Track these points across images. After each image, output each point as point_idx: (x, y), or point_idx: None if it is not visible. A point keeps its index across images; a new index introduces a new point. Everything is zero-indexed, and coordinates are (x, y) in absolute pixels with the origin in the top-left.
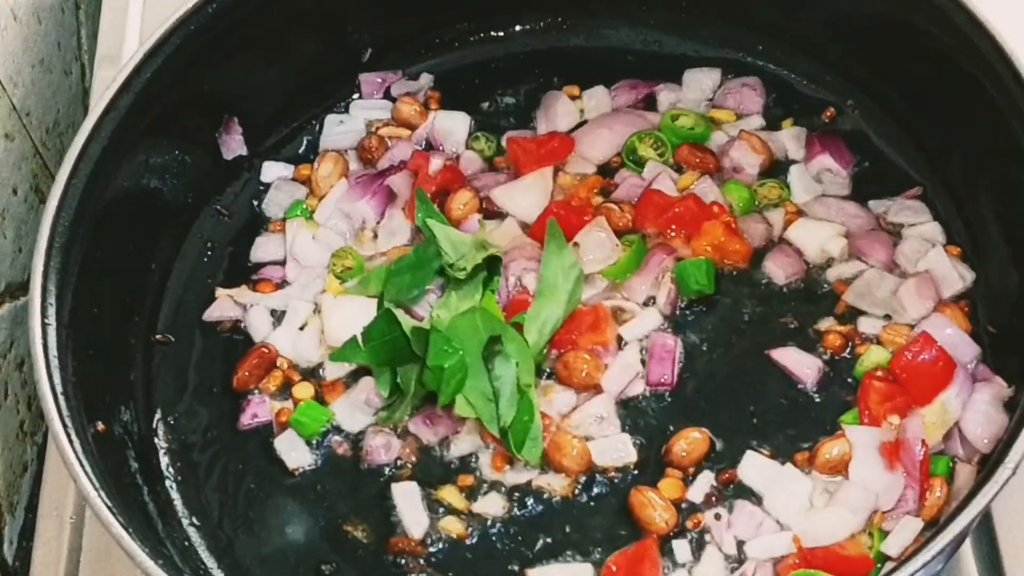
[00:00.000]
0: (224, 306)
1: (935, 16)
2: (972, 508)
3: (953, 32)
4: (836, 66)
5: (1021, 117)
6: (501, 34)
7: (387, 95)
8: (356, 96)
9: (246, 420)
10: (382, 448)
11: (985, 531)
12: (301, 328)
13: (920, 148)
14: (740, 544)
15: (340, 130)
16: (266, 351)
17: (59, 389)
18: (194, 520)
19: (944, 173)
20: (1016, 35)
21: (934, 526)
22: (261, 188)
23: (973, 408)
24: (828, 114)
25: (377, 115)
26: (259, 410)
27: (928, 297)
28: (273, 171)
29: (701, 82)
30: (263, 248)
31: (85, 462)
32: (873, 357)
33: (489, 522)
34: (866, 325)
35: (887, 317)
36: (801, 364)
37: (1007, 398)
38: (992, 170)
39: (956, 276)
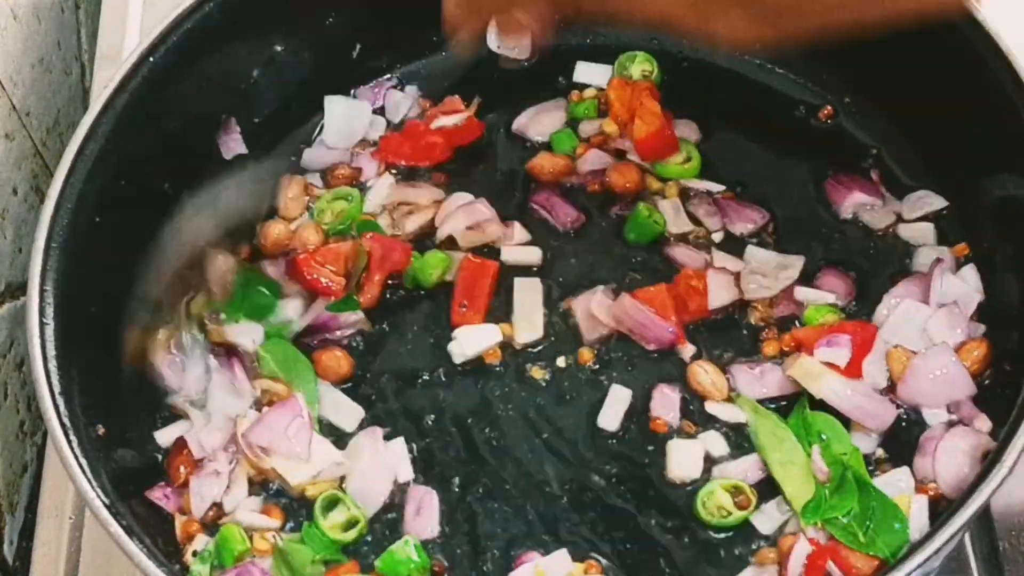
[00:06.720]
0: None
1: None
2: (968, 508)
3: (952, 32)
4: (835, 66)
5: (1020, 117)
6: None
7: (381, 111)
8: (353, 95)
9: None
10: None
11: (985, 531)
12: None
13: (919, 148)
14: None
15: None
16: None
17: (57, 390)
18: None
19: (943, 172)
20: (1016, 36)
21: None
22: None
23: (949, 451)
24: (826, 113)
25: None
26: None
27: (958, 325)
28: None
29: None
30: None
31: (84, 462)
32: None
33: None
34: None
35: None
36: None
37: (986, 449)
38: (991, 170)
39: (970, 291)
